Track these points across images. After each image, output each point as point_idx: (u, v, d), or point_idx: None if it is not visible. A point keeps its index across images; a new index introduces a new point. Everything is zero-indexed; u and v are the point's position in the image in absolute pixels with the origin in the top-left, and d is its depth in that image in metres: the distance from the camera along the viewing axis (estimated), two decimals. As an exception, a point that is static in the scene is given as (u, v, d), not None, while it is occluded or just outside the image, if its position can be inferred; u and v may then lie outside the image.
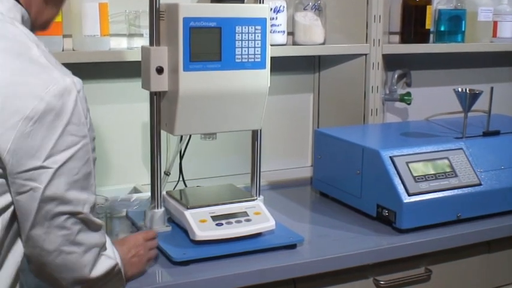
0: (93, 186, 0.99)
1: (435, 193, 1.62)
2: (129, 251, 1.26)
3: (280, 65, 1.84)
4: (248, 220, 1.49)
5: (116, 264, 1.10)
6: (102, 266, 1.06)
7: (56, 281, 1.03)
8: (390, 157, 1.64)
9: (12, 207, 0.96)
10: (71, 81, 0.93)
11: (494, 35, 2.29)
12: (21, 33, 0.95)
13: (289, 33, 1.97)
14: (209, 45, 1.40)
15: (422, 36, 2.17)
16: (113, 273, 1.09)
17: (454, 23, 2.22)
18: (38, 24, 1.08)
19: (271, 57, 1.48)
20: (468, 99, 1.81)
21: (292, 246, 1.50)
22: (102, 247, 1.06)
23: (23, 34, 0.96)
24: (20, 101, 0.89)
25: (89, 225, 1.01)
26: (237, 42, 1.42)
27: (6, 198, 0.95)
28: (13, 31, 0.95)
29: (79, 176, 0.95)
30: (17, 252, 0.99)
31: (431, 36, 2.22)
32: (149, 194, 1.51)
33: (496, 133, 1.88)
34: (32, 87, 0.89)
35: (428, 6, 2.14)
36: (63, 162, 0.92)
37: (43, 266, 1.00)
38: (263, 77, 1.47)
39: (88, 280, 1.04)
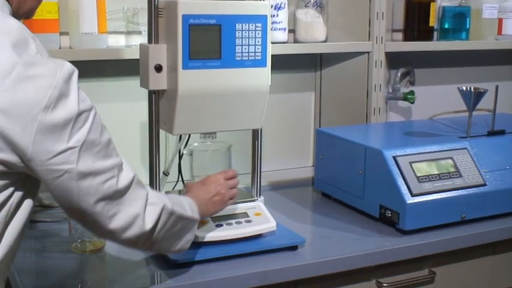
0: (114, 149, 1.06)
1: (439, 194, 1.62)
2: (210, 191, 1.38)
3: (281, 63, 1.84)
4: (248, 221, 1.50)
5: (163, 206, 1.15)
6: (151, 214, 1.12)
7: (123, 242, 1.12)
8: (393, 157, 1.64)
9: (10, 201, 1.01)
10: (69, 64, 0.99)
11: (499, 32, 2.29)
12: (20, 27, 0.98)
13: (290, 31, 1.97)
14: (209, 42, 1.40)
15: (426, 34, 2.17)
16: (164, 216, 1.15)
17: (459, 20, 2.22)
18: (20, 14, 1.10)
19: (272, 55, 1.48)
20: (473, 98, 1.81)
21: (294, 248, 1.50)
22: (145, 198, 1.11)
23: (22, 28, 0.99)
24: (37, 93, 0.94)
25: (126, 185, 1.07)
26: (237, 39, 1.42)
27: (9, 191, 1.00)
28: (13, 25, 0.98)
29: (101, 146, 1.02)
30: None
31: (435, 33, 2.22)
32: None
33: (501, 132, 1.88)
34: (44, 78, 0.95)
35: (432, 3, 2.14)
36: (84, 138, 0.99)
37: (105, 233, 1.09)
38: (264, 75, 1.48)
39: (145, 233, 1.11)
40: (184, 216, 1.23)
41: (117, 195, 1.05)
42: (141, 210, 1.10)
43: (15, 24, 0.99)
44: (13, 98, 0.93)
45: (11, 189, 1.01)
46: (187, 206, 1.26)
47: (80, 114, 0.98)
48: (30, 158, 0.96)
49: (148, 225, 1.11)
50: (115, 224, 1.06)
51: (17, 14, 1.08)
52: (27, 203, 1.05)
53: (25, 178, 1.02)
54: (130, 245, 1.15)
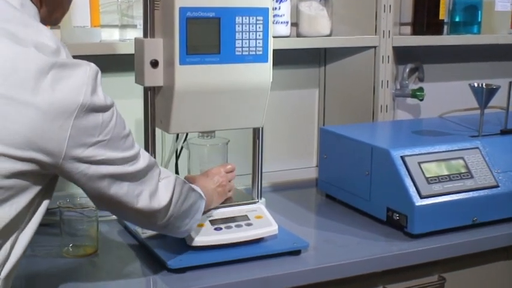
0: (133, 139, 1.17)
1: (449, 195, 1.62)
2: (214, 182, 1.51)
3: (284, 58, 1.84)
4: (249, 224, 1.49)
5: (176, 177, 1.28)
6: (167, 187, 1.24)
7: (146, 220, 1.25)
8: (401, 157, 1.64)
9: (32, 203, 1.07)
10: (93, 64, 1.08)
11: (513, 26, 2.29)
12: (52, 35, 1.08)
13: (293, 24, 1.97)
14: (207, 37, 1.40)
15: (435, 28, 2.17)
16: (178, 187, 1.26)
17: (470, 13, 2.22)
18: (46, 22, 1.20)
19: (273, 50, 1.48)
20: (485, 95, 1.81)
21: (297, 253, 1.50)
22: (159, 174, 1.24)
23: (54, 35, 1.08)
24: (72, 92, 1.02)
25: (145, 166, 1.19)
26: (237, 33, 1.42)
27: (31, 194, 1.06)
28: (47, 33, 1.07)
29: (125, 138, 1.13)
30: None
31: (445, 27, 2.22)
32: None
33: (515, 131, 1.88)
34: (78, 77, 1.04)
35: (442, -5, 2.15)
36: (112, 131, 1.09)
37: (132, 213, 1.20)
38: (265, 71, 1.47)
39: (165, 206, 1.23)
40: (194, 188, 1.35)
41: (139, 175, 1.17)
42: (157, 186, 1.22)
43: (49, 32, 1.08)
44: (51, 98, 1.00)
45: (35, 190, 1.06)
46: (193, 186, 1.37)
47: (107, 109, 1.08)
48: (64, 155, 1.04)
49: (167, 197, 1.23)
50: (141, 202, 1.18)
51: (44, 22, 1.17)
52: (44, 206, 1.11)
53: (49, 180, 1.09)
54: (151, 222, 1.26)
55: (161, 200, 1.22)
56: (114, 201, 1.15)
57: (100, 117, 1.06)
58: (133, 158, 1.15)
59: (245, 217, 1.51)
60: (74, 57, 1.08)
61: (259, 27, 1.44)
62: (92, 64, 1.07)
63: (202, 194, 1.39)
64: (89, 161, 1.07)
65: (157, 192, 1.22)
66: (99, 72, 1.08)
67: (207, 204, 1.42)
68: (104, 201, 1.16)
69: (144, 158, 1.19)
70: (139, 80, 1.45)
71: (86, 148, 1.05)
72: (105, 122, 1.07)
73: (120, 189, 1.14)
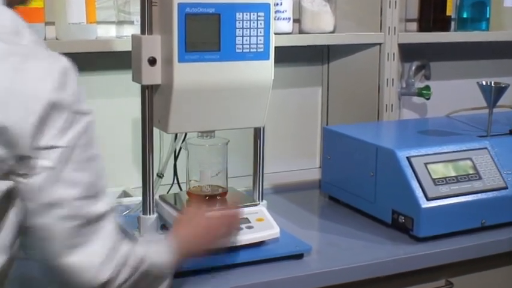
0: (102, 175, 1.03)
1: (457, 197, 1.62)
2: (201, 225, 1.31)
3: (286, 55, 1.84)
4: (250, 227, 1.49)
5: (132, 251, 1.09)
6: (111, 260, 1.05)
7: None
8: (407, 157, 1.64)
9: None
10: (67, 60, 1.02)
11: (522, 22, 2.29)
12: (13, 17, 1.01)
13: (295, 21, 1.97)
14: (207, 33, 1.40)
15: (442, 24, 2.17)
16: (129, 262, 1.07)
17: (478, 10, 2.22)
18: (14, 1, 1.12)
19: (275, 47, 1.48)
20: (493, 94, 1.81)
21: (299, 256, 1.50)
22: (113, 238, 1.05)
23: (15, 17, 1.02)
24: (36, 84, 0.96)
25: (101, 213, 1.03)
26: (237, 30, 1.42)
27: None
28: (6, 15, 1.01)
29: (89, 160, 1.01)
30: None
31: (452, 23, 2.22)
32: (140, 198, 1.51)
33: (525, 131, 1.88)
34: (43, 70, 0.97)
35: (449, -9, 2.15)
36: (75, 142, 0.99)
37: (48, 267, 1.04)
38: (266, 69, 1.47)
39: (99, 284, 1.03)
40: (158, 269, 1.16)
41: (89, 220, 1.01)
42: (102, 251, 1.03)
43: (10, 14, 1.01)
44: (9, 88, 0.94)
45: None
46: (156, 262, 1.17)
47: (76, 112, 0.99)
48: (16, 144, 0.95)
49: (106, 273, 1.03)
50: (69, 259, 1.00)
51: (11, 3, 1.09)
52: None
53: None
54: None
55: (99, 271, 1.02)
56: (36, 236, 1.00)
57: (60, 119, 0.97)
58: (92, 192, 1.01)
59: (246, 220, 1.51)
60: (70, 55, 1.06)
61: (261, 24, 1.44)
62: (63, 58, 1.01)
63: (170, 271, 1.19)
64: (37, 164, 0.96)
65: (100, 259, 1.02)
66: (71, 69, 1.01)
67: (185, 253, 1.25)
68: (27, 232, 1.01)
69: (105, 204, 1.03)
70: (136, 78, 1.45)
71: (39, 148, 0.96)
72: (67, 126, 0.98)
73: (57, 220, 0.98)
